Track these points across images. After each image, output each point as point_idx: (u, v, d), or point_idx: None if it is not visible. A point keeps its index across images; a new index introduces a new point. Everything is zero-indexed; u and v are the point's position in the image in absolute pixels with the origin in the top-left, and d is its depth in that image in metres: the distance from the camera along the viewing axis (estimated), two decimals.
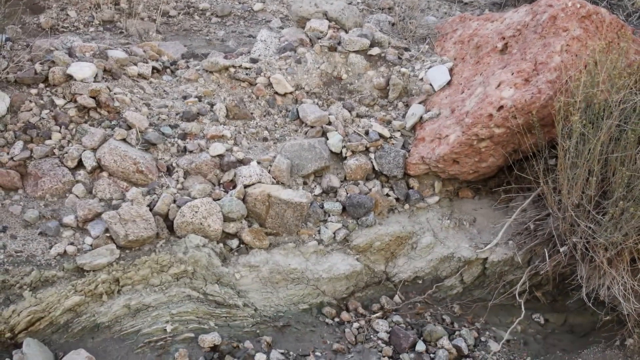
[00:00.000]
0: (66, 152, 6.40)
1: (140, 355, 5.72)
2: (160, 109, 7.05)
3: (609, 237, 6.10)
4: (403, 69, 7.91)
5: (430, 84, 7.74)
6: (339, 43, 7.97)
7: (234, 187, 6.59)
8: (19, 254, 5.75)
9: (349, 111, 7.58)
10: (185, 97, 7.30)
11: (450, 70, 7.78)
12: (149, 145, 6.65)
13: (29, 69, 6.89)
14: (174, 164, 6.66)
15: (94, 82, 6.87)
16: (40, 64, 6.95)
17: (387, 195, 7.16)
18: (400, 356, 6.28)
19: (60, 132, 6.57)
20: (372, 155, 7.19)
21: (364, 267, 6.81)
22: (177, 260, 6.10)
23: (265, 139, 7.19)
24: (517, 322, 6.64)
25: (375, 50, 8.03)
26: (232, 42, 8.84)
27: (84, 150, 6.44)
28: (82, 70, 6.90)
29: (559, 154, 6.51)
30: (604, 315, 6.62)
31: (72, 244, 5.91)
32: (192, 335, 5.90)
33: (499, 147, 6.97)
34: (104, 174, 6.40)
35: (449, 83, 7.67)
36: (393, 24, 8.78)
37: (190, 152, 6.75)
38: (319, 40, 8.01)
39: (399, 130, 7.46)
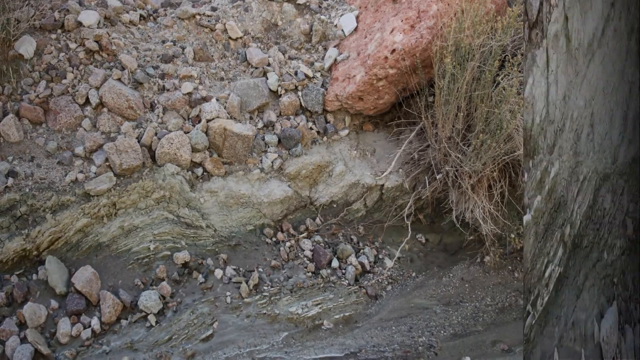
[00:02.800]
0: (77, 91, 6.57)
1: (131, 271, 6.01)
2: (145, 52, 7.15)
3: (472, 166, 6.39)
4: (322, 17, 7.95)
5: (342, 30, 7.81)
6: None
7: (200, 121, 6.72)
8: (42, 180, 6.04)
9: (283, 54, 7.63)
10: (163, 42, 7.38)
11: (357, 17, 7.80)
12: (137, 84, 6.80)
13: (50, 16, 6.94)
14: (155, 101, 6.77)
15: (97, 28, 6.96)
16: (58, 12, 6.99)
17: (311, 128, 7.25)
18: (320, 272, 6.50)
19: (73, 72, 6.71)
20: (299, 93, 7.30)
21: (294, 193, 6.94)
22: (158, 187, 6.29)
23: (222, 79, 7.28)
24: (405, 241, 6.84)
25: (302, 0, 8.06)
26: None
27: (90, 88, 6.59)
28: (89, 17, 6.98)
29: (435, 92, 6.70)
30: (468, 236, 6.89)
31: (81, 172, 6.18)
32: (169, 253, 6.12)
33: (392, 86, 7.08)
34: (105, 109, 6.55)
35: (355, 29, 7.71)
36: None
37: (168, 90, 6.88)
38: None
39: (319, 71, 7.56)
